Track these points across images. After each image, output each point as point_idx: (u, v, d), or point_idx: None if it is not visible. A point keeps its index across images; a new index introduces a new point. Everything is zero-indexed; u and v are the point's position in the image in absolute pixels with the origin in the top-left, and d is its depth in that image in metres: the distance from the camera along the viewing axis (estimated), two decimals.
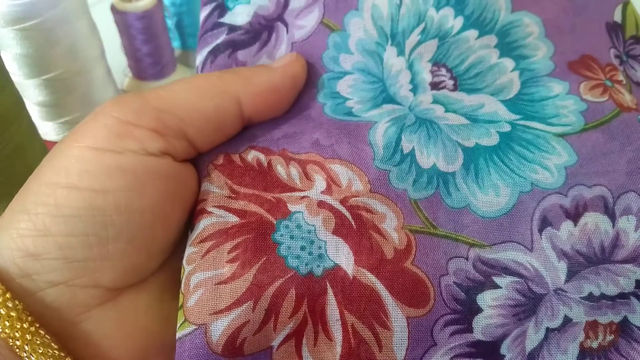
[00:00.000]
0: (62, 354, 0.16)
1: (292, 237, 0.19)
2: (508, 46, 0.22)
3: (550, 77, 0.21)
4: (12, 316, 0.16)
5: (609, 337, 0.19)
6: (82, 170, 0.18)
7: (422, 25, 0.22)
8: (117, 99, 0.19)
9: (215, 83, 0.21)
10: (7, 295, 0.16)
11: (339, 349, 0.18)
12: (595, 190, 0.19)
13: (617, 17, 0.23)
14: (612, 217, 0.19)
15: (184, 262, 0.19)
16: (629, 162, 0.19)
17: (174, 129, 0.19)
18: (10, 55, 0.45)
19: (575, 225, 0.19)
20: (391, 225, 0.19)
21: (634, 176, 0.19)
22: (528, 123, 0.20)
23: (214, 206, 0.19)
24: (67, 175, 0.18)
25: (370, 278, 0.18)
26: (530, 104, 0.21)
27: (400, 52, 0.22)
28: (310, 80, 0.22)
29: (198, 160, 0.21)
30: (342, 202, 0.19)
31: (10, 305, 0.16)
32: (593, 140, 0.20)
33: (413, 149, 0.20)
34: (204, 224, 0.19)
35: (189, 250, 0.19)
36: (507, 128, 0.20)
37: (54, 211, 0.17)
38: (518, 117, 0.21)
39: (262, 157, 0.20)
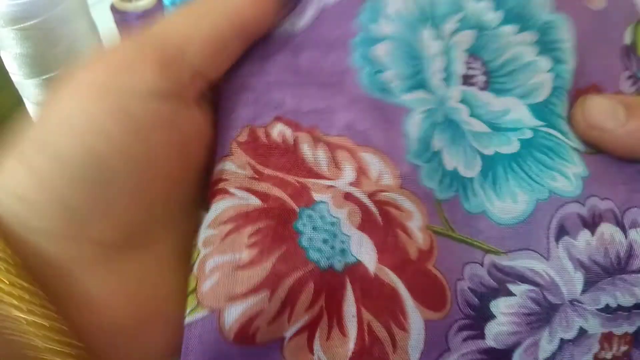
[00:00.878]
0: (55, 315, 0.16)
1: (314, 229, 0.18)
2: (548, 45, 0.21)
3: (567, 96, 0.21)
4: (10, 271, 0.15)
5: (623, 348, 0.19)
6: (82, 111, 0.17)
7: (461, 14, 0.21)
8: (119, 41, 0.19)
9: (206, 4, 0.20)
10: (8, 252, 0.15)
11: (351, 345, 0.18)
12: (606, 204, 0.19)
13: (628, 39, 0.23)
14: (623, 229, 0.19)
15: (200, 244, 0.18)
16: (623, 182, 0.20)
17: (178, 60, 0.18)
18: (10, 55, 0.44)
19: (592, 235, 0.19)
20: (417, 225, 0.19)
21: (632, 194, 0.20)
22: (550, 131, 0.20)
23: (236, 187, 0.19)
24: (66, 117, 0.17)
25: (392, 277, 0.18)
26: (553, 115, 0.21)
27: (438, 36, 0.20)
28: (343, 40, 0.20)
29: (221, 134, 0.20)
30: (371, 196, 0.19)
31: (6, 260, 0.15)
32: (597, 160, 0.20)
33: (441, 148, 0.20)
34: (224, 205, 0.18)
35: (206, 232, 0.18)
36: (529, 135, 0.20)
37: (51, 154, 0.16)
38: (542, 123, 0.20)
39: (288, 132, 0.19)
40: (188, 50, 0.18)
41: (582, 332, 0.18)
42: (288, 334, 0.18)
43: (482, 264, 0.19)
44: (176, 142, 0.18)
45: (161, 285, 0.18)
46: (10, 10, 0.42)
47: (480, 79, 0.20)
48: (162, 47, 0.18)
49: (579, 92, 0.21)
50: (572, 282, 0.18)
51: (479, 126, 0.20)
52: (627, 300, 0.18)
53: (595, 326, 0.18)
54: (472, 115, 0.20)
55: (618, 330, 0.19)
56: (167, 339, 0.18)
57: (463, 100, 0.20)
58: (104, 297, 0.17)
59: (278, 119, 0.19)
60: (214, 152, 0.20)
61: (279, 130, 0.19)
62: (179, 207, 0.19)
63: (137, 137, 0.17)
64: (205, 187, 0.20)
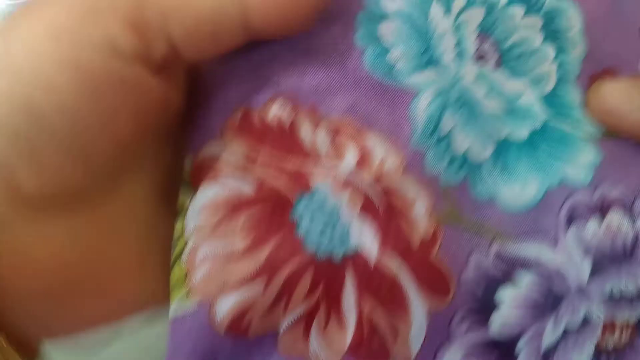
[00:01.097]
0: None
1: (312, 217, 0.17)
2: (552, 33, 0.21)
3: (575, 83, 0.21)
4: None
5: (625, 337, 0.19)
6: (28, 57, 0.15)
7: None
8: None
9: None
10: None
11: (349, 336, 0.17)
12: (617, 191, 0.19)
13: None
14: (632, 218, 0.19)
15: (188, 232, 0.18)
16: (639, 167, 0.20)
17: (154, 27, 0.16)
18: None
19: (600, 223, 0.19)
20: (420, 212, 0.18)
21: None
22: (559, 123, 0.20)
23: (228, 173, 0.18)
24: (10, 60, 0.15)
25: (393, 267, 0.18)
26: (561, 106, 0.21)
27: (447, 11, 0.20)
28: (347, 15, 0.19)
29: (209, 112, 0.19)
30: (372, 183, 0.18)
31: None
32: (611, 145, 0.20)
33: (451, 130, 0.19)
34: (215, 192, 0.18)
35: (195, 220, 0.18)
36: (539, 125, 0.20)
37: None
38: (550, 115, 0.20)
39: (285, 114, 0.18)
40: (172, 21, 0.16)
41: (586, 321, 0.18)
42: (283, 325, 0.17)
43: (487, 253, 0.19)
44: (130, 106, 0.16)
45: (96, 250, 0.17)
46: (10, 10, 0.42)
47: (493, 58, 0.20)
48: (141, 4, 0.16)
49: (593, 77, 0.21)
50: (579, 272, 0.18)
51: (492, 108, 0.20)
52: (630, 289, 0.19)
53: (599, 315, 0.18)
54: (487, 96, 0.20)
55: (620, 320, 0.19)
56: (98, 309, 0.18)
57: (477, 80, 0.20)
58: (22, 259, 0.16)
59: (274, 99, 0.18)
60: (188, 126, 0.19)
61: (275, 112, 0.18)
62: (127, 173, 0.18)
63: (84, 93, 0.15)
64: (164, 157, 0.19)
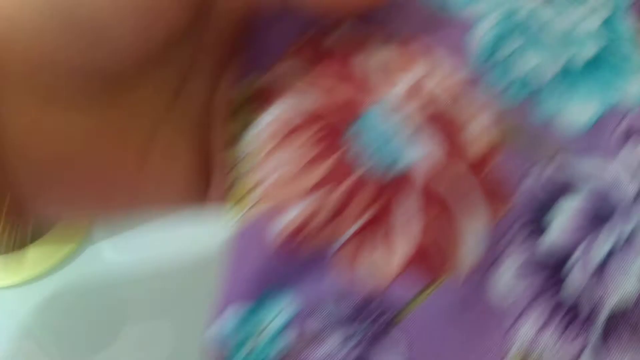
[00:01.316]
0: None
1: (364, 139, 0.18)
2: None
3: (626, 15, 0.21)
4: None
5: None
6: None
7: None
8: None
9: None
10: None
11: (398, 259, 0.18)
12: None
13: None
14: None
15: (244, 157, 0.18)
16: None
17: None
18: None
19: None
20: (472, 135, 0.18)
21: None
22: (614, 49, 0.20)
23: (285, 99, 0.18)
24: None
25: (443, 189, 0.18)
26: (612, 39, 0.21)
27: None
28: None
29: (265, 42, 0.19)
30: (423, 108, 0.18)
31: None
32: None
33: (510, 54, 0.19)
34: (272, 118, 0.18)
35: (251, 145, 0.18)
36: (594, 52, 0.20)
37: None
38: (605, 43, 0.20)
39: (341, 44, 0.19)
40: None
41: (631, 238, 0.19)
42: (334, 246, 0.18)
43: (539, 175, 0.19)
44: (160, 35, 0.18)
45: (99, 144, 0.19)
46: None
47: None
48: None
49: None
50: (627, 190, 0.19)
51: (549, 39, 0.20)
52: None
53: None
54: (541, 29, 0.20)
55: None
56: (91, 195, 0.19)
57: (531, 15, 0.20)
58: (31, 138, 0.17)
59: (330, 31, 0.19)
60: (242, 54, 0.19)
61: (335, 39, 0.19)
62: (137, 85, 0.19)
63: (121, 17, 0.16)
64: (169, 69, 0.19)
